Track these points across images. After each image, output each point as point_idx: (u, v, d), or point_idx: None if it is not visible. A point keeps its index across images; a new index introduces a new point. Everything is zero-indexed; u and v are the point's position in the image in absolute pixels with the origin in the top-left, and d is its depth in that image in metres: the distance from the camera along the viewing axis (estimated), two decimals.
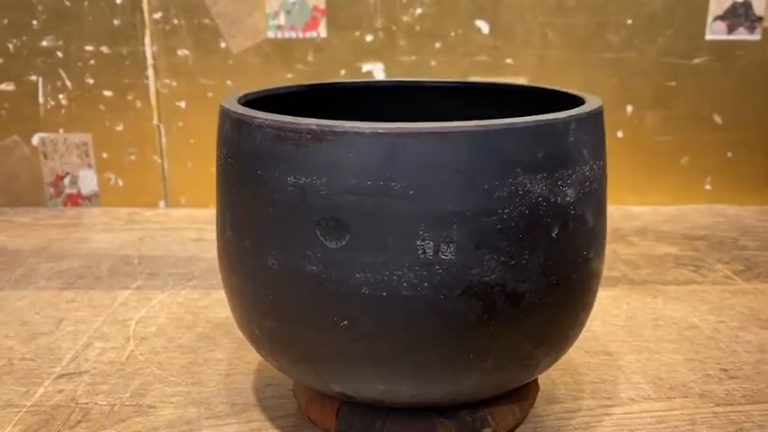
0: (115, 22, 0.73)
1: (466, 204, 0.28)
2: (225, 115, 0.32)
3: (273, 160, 0.29)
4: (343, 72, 0.74)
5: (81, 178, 0.77)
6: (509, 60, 0.74)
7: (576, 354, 0.44)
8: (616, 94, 0.76)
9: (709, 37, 0.74)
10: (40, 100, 0.75)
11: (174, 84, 0.75)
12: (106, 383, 0.41)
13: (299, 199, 0.29)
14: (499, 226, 0.28)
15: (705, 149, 0.77)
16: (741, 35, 0.74)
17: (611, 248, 0.63)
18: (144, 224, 0.72)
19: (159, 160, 0.77)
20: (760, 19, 0.73)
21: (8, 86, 0.75)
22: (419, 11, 0.73)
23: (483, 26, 0.74)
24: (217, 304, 0.51)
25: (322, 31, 0.73)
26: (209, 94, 0.75)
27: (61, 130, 0.76)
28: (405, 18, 0.73)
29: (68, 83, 0.75)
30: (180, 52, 0.74)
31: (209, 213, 0.74)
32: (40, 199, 0.78)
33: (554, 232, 0.29)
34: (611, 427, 0.37)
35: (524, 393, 0.36)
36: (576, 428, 0.37)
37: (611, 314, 0.50)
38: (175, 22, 0.73)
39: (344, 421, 0.34)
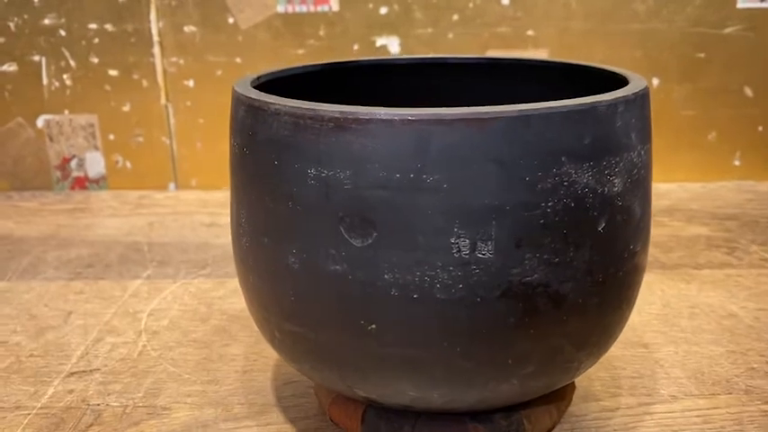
0: None
1: (505, 198, 0.25)
2: (238, 101, 0.29)
3: (292, 151, 0.26)
4: (356, 47, 0.71)
5: (88, 161, 0.75)
6: (530, 32, 0.71)
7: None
8: (641, 66, 0.72)
9: (741, 5, 0.70)
10: (44, 81, 0.72)
11: (182, 62, 0.72)
12: (118, 382, 0.39)
13: (322, 193, 0.26)
14: (542, 221, 0.26)
15: (734, 124, 0.74)
16: None
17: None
18: (153, 208, 0.69)
19: (168, 141, 0.74)
20: None
21: (11, 67, 0.72)
22: None
23: None
24: (232, 294, 0.49)
25: (334, 4, 0.70)
26: (218, 72, 0.72)
27: (66, 112, 0.74)
28: None
29: (72, 62, 0.72)
30: (186, 29, 0.71)
31: (221, 196, 0.72)
32: (46, 183, 0.76)
33: (600, 226, 0.27)
34: (653, 428, 0.34)
35: (561, 393, 0.34)
36: (616, 429, 0.34)
37: (646, 302, 0.47)
38: None
39: (370, 425, 0.32)
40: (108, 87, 0.73)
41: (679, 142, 0.74)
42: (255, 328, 0.43)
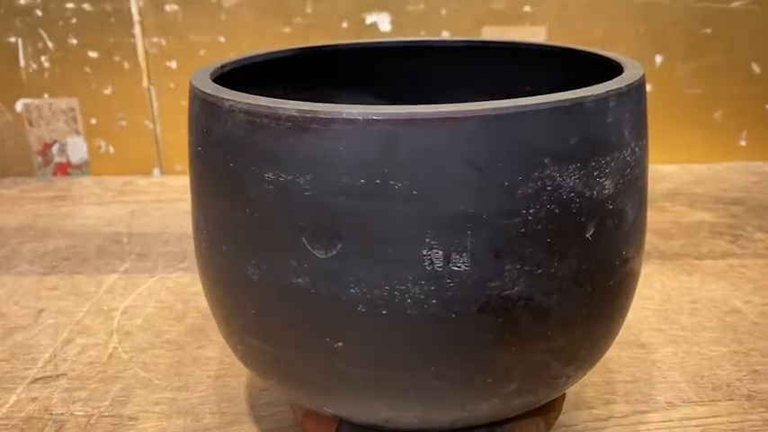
0: None
1: (482, 205, 0.23)
2: (193, 95, 0.27)
3: (248, 152, 0.24)
4: (345, 25, 0.68)
5: (70, 146, 0.73)
6: (527, 8, 0.68)
7: None
8: (644, 43, 0.69)
9: None
10: (21, 63, 0.70)
11: (164, 42, 0.69)
12: (84, 389, 0.37)
13: (280, 199, 0.24)
14: (523, 229, 0.23)
15: (741, 102, 0.71)
16: None
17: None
18: (136, 195, 0.67)
19: (151, 125, 0.72)
20: None
21: None
22: None
23: None
24: None
25: None
26: (202, 52, 0.69)
27: (46, 95, 0.71)
28: None
29: (50, 44, 0.69)
30: (168, 8, 0.68)
31: None
32: (28, 169, 0.74)
33: (589, 233, 0.24)
34: None
35: (550, 403, 0.32)
36: None
37: (643, 296, 0.45)
38: None
39: None
40: (88, 69, 0.70)
41: (683, 121, 0.71)
42: None
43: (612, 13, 0.68)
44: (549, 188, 0.23)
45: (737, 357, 0.38)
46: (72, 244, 0.56)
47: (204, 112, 0.26)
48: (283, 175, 0.23)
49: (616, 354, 0.39)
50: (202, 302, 0.45)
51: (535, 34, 0.68)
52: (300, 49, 0.38)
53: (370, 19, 0.68)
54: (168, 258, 0.52)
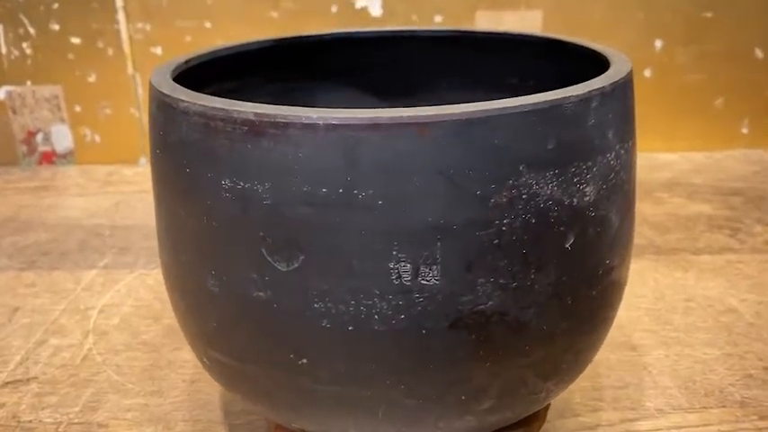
0: None
1: (452, 215, 0.21)
2: (151, 94, 0.25)
3: (204, 157, 0.22)
4: (334, 9, 0.66)
5: (54, 134, 0.71)
6: None
7: None
8: (643, 27, 0.67)
9: None
10: (2, 50, 0.68)
11: (148, 28, 0.67)
12: (55, 394, 0.36)
13: (238, 208, 0.22)
14: (496, 241, 0.22)
15: (743, 88, 0.69)
16: None
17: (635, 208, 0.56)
18: (121, 186, 0.66)
19: (137, 113, 0.70)
20: None
21: None
22: None
23: None
24: None
25: None
26: (187, 38, 0.67)
27: (29, 83, 0.69)
28: None
29: (31, 30, 0.67)
30: None
31: None
32: (12, 158, 0.72)
33: (568, 242, 0.23)
34: None
35: (532, 414, 0.31)
36: None
37: (636, 294, 0.43)
38: None
39: None
40: (71, 56, 0.68)
41: (683, 109, 0.69)
42: None
43: None
44: (524, 196, 0.21)
45: (731, 360, 0.37)
46: (53, 237, 0.55)
47: (161, 113, 0.24)
48: (241, 183, 0.22)
49: (605, 356, 0.37)
50: None
51: (530, 19, 0.66)
52: (278, 39, 0.36)
53: (360, 3, 0.66)
54: (149, 253, 0.51)
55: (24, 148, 0.72)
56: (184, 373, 0.37)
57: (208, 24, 0.67)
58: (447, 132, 0.20)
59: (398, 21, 0.66)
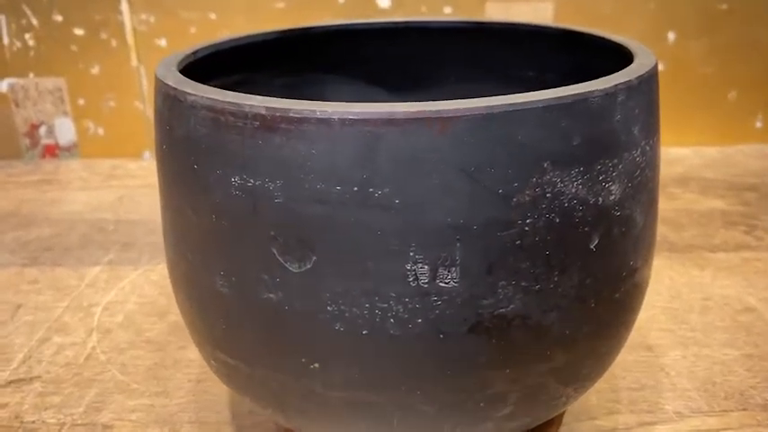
0: None
1: (473, 215, 0.20)
2: (157, 87, 0.24)
3: (212, 154, 0.21)
4: (342, 0, 0.65)
5: (57, 127, 0.70)
6: None
7: None
8: (656, 20, 0.65)
9: None
10: (5, 41, 0.67)
11: (152, 19, 0.66)
12: (58, 394, 0.35)
13: (249, 206, 0.21)
14: (519, 242, 0.21)
15: (757, 82, 0.68)
16: None
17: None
18: (125, 179, 0.65)
19: (141, 106, 0.69)
20: None
21: None
22: None
23: None
24: None
25: None
26: (192, 30, 0.66)
27: (31, 75, 0.68)
28: None
29: (34, 20, 0.66)
30: None
31: None
32: (16, 151, 0.71)
33: (593, 243, 0.22)
34: None
35: (548, 420, 0.30)
36: None
37: (652, 292, 0.42)
38: None
39: None
40: (74, 48, 0.67)
41: (695, 102, 0.68)
42: None
43: None
44: (548, 195, 0.20)
45: (752, 362, 0.36)
46: (56, 232, 0.54)
47: (166, 107, 0.23)
48: (251, 180, 0.21)
49: (622, 357, 0.36)
50: None
51: (541, 10, 0.65)
52: (286, 31, 0.35)
53: None
54: (154, 249, 0.50)
55: (27, 141, 0.71)
56: (190, 373, 0.36)
57: (213, 16, 0.66)
58: (468, 127, 0.19)
59: (407, 12, 0.65)
